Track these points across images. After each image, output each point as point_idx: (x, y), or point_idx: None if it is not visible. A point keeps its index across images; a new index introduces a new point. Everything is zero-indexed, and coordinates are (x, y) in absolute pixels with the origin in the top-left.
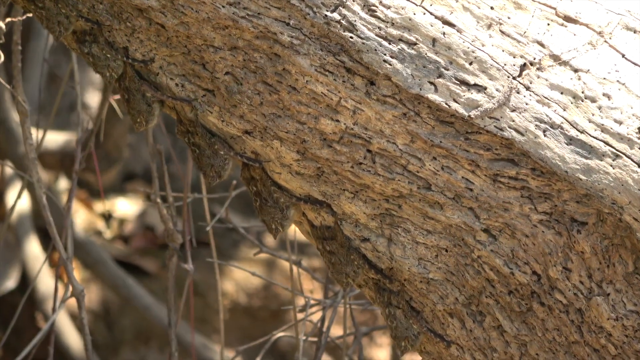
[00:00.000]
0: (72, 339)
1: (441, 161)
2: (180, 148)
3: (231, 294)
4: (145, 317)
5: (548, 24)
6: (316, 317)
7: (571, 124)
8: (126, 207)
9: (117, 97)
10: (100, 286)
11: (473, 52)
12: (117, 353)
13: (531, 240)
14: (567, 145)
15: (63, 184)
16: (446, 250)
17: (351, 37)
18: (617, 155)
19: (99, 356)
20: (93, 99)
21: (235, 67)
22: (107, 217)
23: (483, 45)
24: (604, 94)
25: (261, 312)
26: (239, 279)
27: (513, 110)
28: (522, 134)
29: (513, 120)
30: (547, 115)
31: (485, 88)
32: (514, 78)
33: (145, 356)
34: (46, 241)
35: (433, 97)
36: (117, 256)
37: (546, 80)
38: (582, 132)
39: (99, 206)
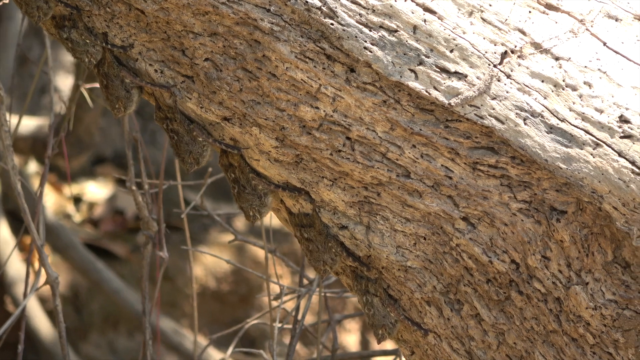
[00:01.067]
0: (41, 323)
1: (420, 149)
2: (151, 132)
3: (200, 279)
4: (114, 301)
5: (529, 12)
6: (288, 304)
7: (552, 113)
8: (96, 190)
9: (89, 85)
10: (69, 270)
11: (454, 39)
12: (86, 337)
13: (510, 229)
14: (548, 133)
15: (33, 167)
16: (424, 238)
17: (332, 24)
18: (598, 144)
19: (68, 340)
20: (64, 82)
21: (215, 53)
22: (77, 200)
23: (464, 33)
24: (585, 83)
25: (230, 297)
26: (208, 263)
27: (493, 98)
28: (502, 122)
29: (493, 109)
30: (527, 104)
31: (466, 76)
32: (494, 66)
33: (114, 340)
34: (15, 224)
35: (413, 84)
36: (87, 240)
37: (527, 68)
38: (562, 120)
39: (69, 190)
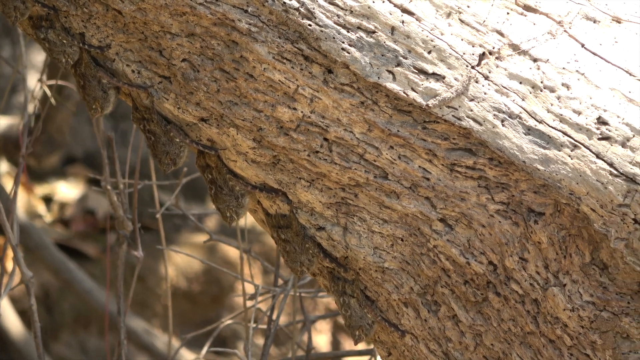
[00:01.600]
0: (13, 323)
1: (398, 150)
2: (122, 132)
3: (171, 279)
4: (85, 301)
5: (508, 13)
6: (262, 304)
7: (530, 114)
8: (66, 191)
9: (52, 82)
10: (40, 270)
11: (432, 40)
12: (56, 337)
13: (488, 230)
14: (525, 135)
15: (4, 167)
16: (402, 240)
17: (309, 25)
18: (576, 146)
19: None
20: (35, 82)
21: (193, 54)
22: (47, 200)
23: (442, 34)
24: (563, 84)
25: (201, 297)
26: (179, 263)
27: (471, 100)
28: (480, 124)
29: (471, 110)
30: (505, 105)
31: (444, 77)
32: (472, 67)
33: (85, 340)
34: None
35: (391, 85)
36: (58, 240)
37: (505, 69)
38: (540, 122)
39: (40, 190)
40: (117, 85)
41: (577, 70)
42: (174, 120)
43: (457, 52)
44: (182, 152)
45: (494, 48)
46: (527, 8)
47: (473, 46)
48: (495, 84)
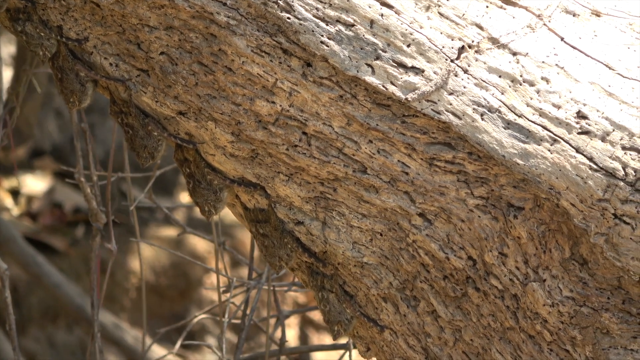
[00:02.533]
0: None
1: (377, 144)
2: (90, 125)
3: (138, 273)
4: (53, 295)
5: (487, 6)
6: (235, 298)
7: (509, 108)
8: (34, 184)
9: (38, 71)
10: (8, 263)
11: (411, 34)
12: (24, 331)
13: (467, 225)
14: (505, 129)
15: None
16: (381, 234)
17: (288, 18)
18: (555, 140)
19: (6, 334)
20: (4, 74)
21: (171, 47)
22: (15, 193)
23: (421, 28)
24: (542, 78)
25: (169, 291)
26: (147, 257)
27: (451, 94)
28: (459, 118)
29: (450, 104)
30: (484, 99)
31: (423, 71)
32: (452, 61)
33: (53, 334)
34: None
35: (370, 79)
36: (26, 233)
37: (484, 63)
38: (520, 116)
39: (7, 183)
40: (94, 79)
41: (556, 64)
42: (152, 114)
43: (436, 46)
44: (159, 145)
45: (473, 41)
46: (507, 1)
47: (452, 39)
48: (475, 78)
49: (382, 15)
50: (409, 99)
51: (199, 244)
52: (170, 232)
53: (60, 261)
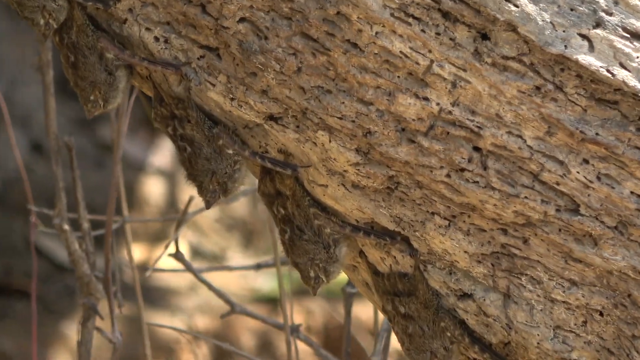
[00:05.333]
0: None
1: (597, 166)
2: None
3: None
4: None
5: None
6: None
7: None
8: None
9: None
10: None
11: None
12: None
13: None
14: None
15: None
16: (601, 314)
17: None
18: None
19: None
20: None
21: (257, 9)
22: None
23: None
24: None
25: None
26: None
27: None
28: None
29: None
30: None
31: None
32: None
33: None
34: None
35: (586, 59)
36: None
37: None
38: None
39: None
40: (130, 63)
41: None
42: (223, 119)
43: None
44: (237, 171)
45: None
46: None
47: None
48: None
49: None
50: None
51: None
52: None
53: None
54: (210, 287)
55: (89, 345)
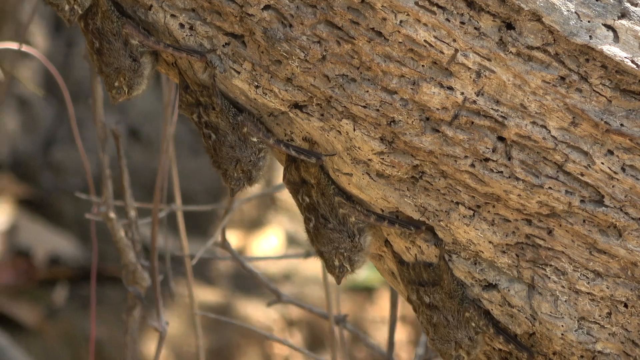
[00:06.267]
0: None
1: (622, 157)
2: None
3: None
4: None
5: None
6: None
7: None
8: None
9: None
10: None
11: None
12: None
13: None
14: None
15: None
16: (625, 306)
17: None
18: None
19: None
20: None
21: None
22: None
23: None
24: None
25: None
26: (173, 337)
27: None
28: None
29: None
30: None
31: None
32: None
33: None
34: None
35: (611, 50)
36: None
37: None
38: None
39: None
40: (155, 49)
41: None
42: (248, 107)
43: None
44: (261, 159)
45: None
46: None
47: None
48: None
49: None
50: None
51: (255, 314)
52: (207, 294)
53: (29, 342)
54: (257, 275)
55: (135, 334)
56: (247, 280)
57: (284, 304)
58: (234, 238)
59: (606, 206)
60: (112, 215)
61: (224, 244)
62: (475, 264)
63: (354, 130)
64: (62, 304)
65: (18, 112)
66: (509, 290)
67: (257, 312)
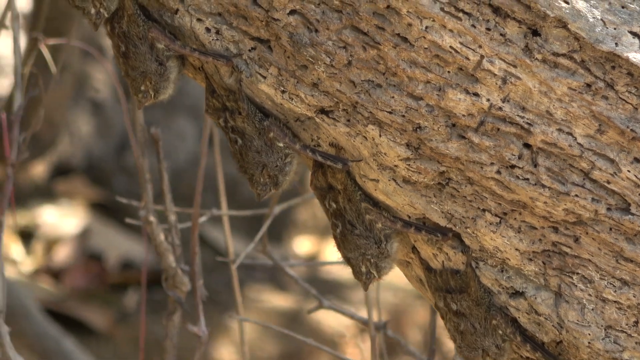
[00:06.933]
0: None
1: None
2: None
3: None
4: None
5: None
6: None
7: None
8: (57, 220)
9: (55, 41)
10: (18, 350)
11: None
12: None
13: None
14: None
15: None
16: None
17: None
18: None
19: None
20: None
21: (307, 2)
22: (26, 236)
23: None
24: None
25: None
26: (238, 341)
27: None
28: None
29: None
30: None
31: None
32: None
33: None
34: None
35: (636, 57)
36: (45, 302)
37: None
38: None
39: (12, 219)
40: (181, 53)
41: None
42: (274, 112)
43: None
44: (288, 164)
45: None
46: None
47: None
48: None
49: None
50: None
51: (327, 319)
52: (279, 299)
53: (99, 347)
54: (298, 281)
55: (175, 339)
56: (319, 286)
57: (326, 309)
58: (307, 244)
59: (632, 214)
60: (152, 219)
61: (265, 250)
62: (502, 271)
63: (380, 136)
64: (134, 308)
65: (92, 115)
66: (535, 298)
67: (329, 318)
